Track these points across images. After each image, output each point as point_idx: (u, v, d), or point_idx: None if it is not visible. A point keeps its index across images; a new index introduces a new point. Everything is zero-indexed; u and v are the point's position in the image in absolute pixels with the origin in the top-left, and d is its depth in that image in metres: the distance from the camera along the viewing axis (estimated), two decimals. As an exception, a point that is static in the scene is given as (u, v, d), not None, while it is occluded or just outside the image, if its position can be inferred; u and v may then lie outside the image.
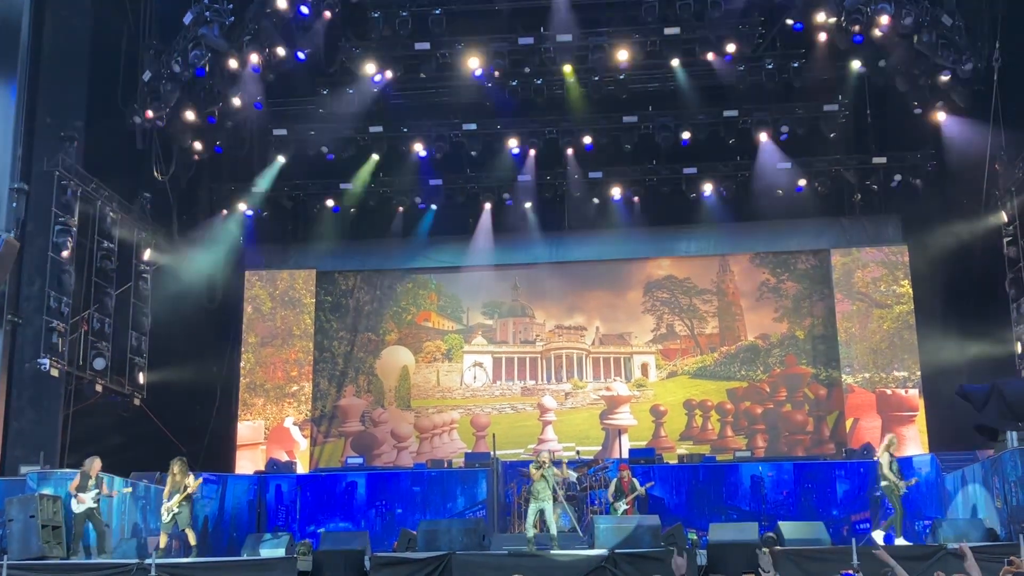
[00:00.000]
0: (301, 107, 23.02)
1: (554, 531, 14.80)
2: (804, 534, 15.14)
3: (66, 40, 19.13)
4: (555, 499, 15.33)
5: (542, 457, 15.31)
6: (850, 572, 11.29)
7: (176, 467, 15.68)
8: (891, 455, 15.36)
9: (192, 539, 15.54)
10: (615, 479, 18.17)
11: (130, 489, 16.41)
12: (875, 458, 17.60)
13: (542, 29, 20.90)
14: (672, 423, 24.03)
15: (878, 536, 15.19)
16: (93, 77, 19.51)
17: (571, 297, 25.10)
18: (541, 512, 14.85)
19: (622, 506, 17.67)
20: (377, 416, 24.73)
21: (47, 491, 15.45)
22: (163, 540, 15.52)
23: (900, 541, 14.71)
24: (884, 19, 18.70)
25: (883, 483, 15.38)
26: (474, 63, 21.15)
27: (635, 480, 18.12)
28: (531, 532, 14.64)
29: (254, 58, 20.03)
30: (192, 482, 15.61)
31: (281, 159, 23.51)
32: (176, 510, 15.47)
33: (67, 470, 16.71)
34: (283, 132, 23.14)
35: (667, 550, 13.52)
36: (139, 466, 18.14)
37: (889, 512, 18.87)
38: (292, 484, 20.41)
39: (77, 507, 15.19)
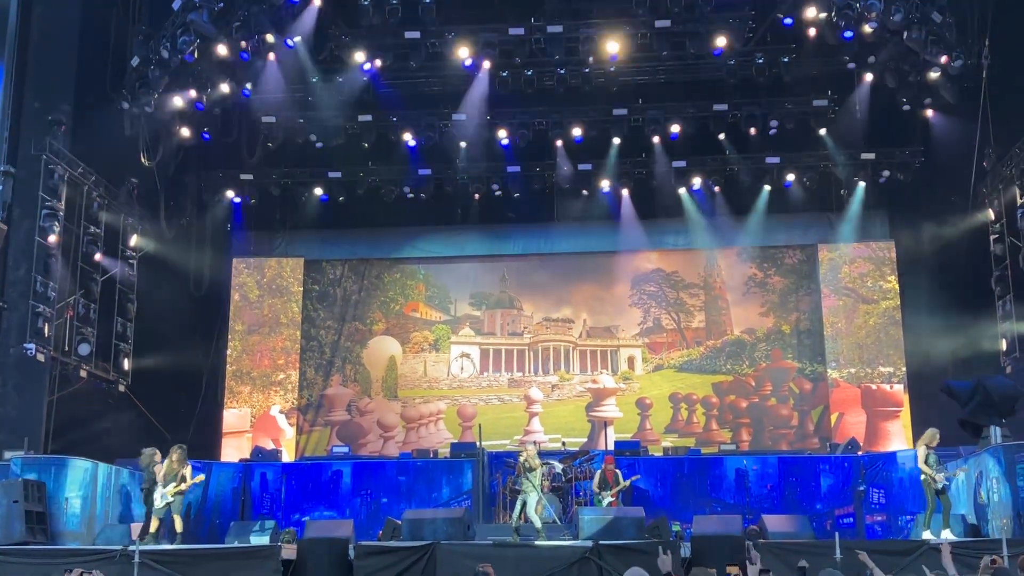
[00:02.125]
0: (290, 94, 22.93)
1: (537, 523, 15.04)
2: (788, 527, 15.19)
3: (54, 24, 19.03)
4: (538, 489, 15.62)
5: (528, 450, 15.69)
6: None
7: (175, 455, 15.57)
8: (928, 448, 15.27)
9: (179, 526, 15.49)
10: (600, 470, 18.21)
11: (202, 477, 16.54)
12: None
13: (532, 19, 20.87)
14: (657, 416, 24.08)
15: (927, 535, 14.99)
16: (81, 62, 19.40)
17: (559, 289, 25.11)
18: (524, 504, 15.15)
19: (607, 497, 17.73)
20: (363, 405, 24.72)
21: (31, 477, 15.41)
22: (155, 524, 15.45)
23: (926, 534, 14.67)
24: (874, 15, 18.73)
25: (921, 476, 15.33)
26: (464, 53, 21.11)
27: (619, 472, 18.16)
28: (515, 523, 14.92)
29: (243, 45, 19.94)
30: (189, 475, 15.54)
31: (269, 146, 23.45)
32: (171, 498, 15.43)
33: (51, 455, 16.69)
34: (272, 119, 23.05)
35: (652, 543, 13.56)
36: (124, 453, 18.10)
37: (874, 507, 18.99)
38: (277, 472, 20.38)
39: (173, 497, 15.62)
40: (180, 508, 15.54)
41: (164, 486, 15.46)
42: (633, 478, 18.55)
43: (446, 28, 20.89)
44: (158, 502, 15.48)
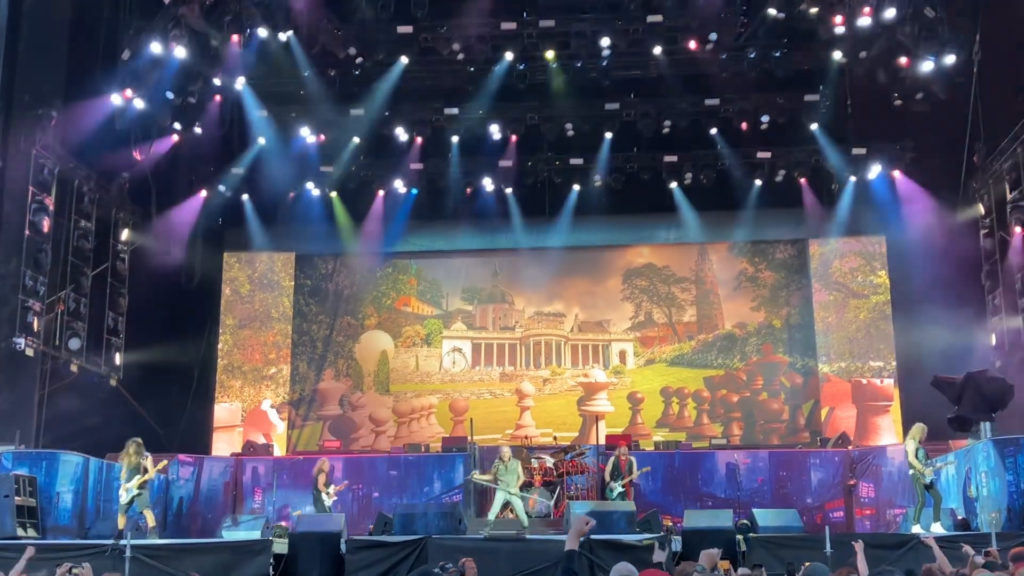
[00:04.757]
0: (282, 89, 22.86)
1: (523, 518, 15.27)
2: (778, 521, 15.25)
3: (45, 17, 18.95)
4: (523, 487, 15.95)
5: (504, 454, 16.06)
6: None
7: (132, 448, 15.49)
8: (916, 443, 15.34)
9: (151, 520, 15.38)
10: (613, 457, 18.16)
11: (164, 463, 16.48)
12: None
13: (525, 14, 20.85)
14: (649, 410, 24.12)
15: (917, 529, 15.03)
16: (72, 55, 19.33)
17: (550, 284, 25.11)
18: (508, 503, 15.49)
19: (618, 487, 17.68)
20: (355, 400, 24.71)
21: (22, 471, 15.39)
22: (122, 521, 15.34)
23: (916, 528, 14.75)
24: (866, 10, 18.75)
25: (910, 471, 15.42)
26: (456, 47, 21.07)
27: (633, 459, 18.08)
28: (492, 517, 15.32)
29: (235, 39, 19.89)
30: (151, 466, 15.47)
31: (261, 141, 23.39)
32: (136, 492, 15.32)
33: (42, 450, 16.67)
34: (263, 114, 23.00)
35: (644, 537, 13.60)
36: (115, 447, 17.98)
37: (864, 501, 19.08)
38: (269, 466, 20.40)
39: (328, 502, 16.99)
40: (147, 503, 15.44)
41: (127, 481, 15.34)
42: (644, 469, 18.45)
43: (438, 23, 20.85)
44: (123, 497, 15.36)
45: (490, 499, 19.12)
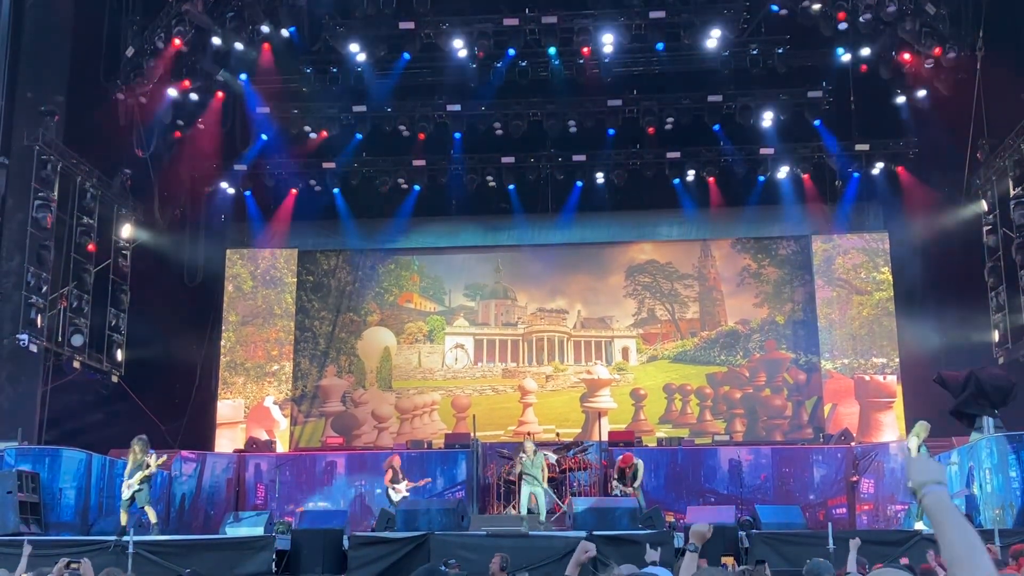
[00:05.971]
0: (284, 85, 22.88)
1: (543, 511, 15.41)
2: (781, 518, 15.24)
3: (48, 14, 18.97)
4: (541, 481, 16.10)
5: (527, 447, 16.28)
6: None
7: (137, 446, 15.46)
8: (919, 440, 15.33)
9: (153, 517, 15.33)
10: (616, 463, 18.03)
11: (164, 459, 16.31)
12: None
13: (527, 10, 20.85)
14: (652, 407, 24.10)
15: (920, 526, 14.99)
16: (75, 52, 19.35)
17: (553, 280, 25.09)
18: (532, 495, 15.64)
19: (617, 492, 17.59)
20: (358, 397, 24.69)
21: (25, 467, 15.41)
22: (124, 518, 15.34)
23: (919, 525, 14.72)
24: (869, 6, 18.73)
25: None
26: (459, 43, 21.09)
27: (638, 464, 17.53)
28: (524, 511, 15.34)
29: (237, 34, 19.90)
30: (152, 461, 15.44)
31: (263, 137, 23.41)
32: (137, 487, 15.29)
33: (44, 446, 16.69)
34: (266, 110, 23.02)
35: (647, 533, 13.60)
36: (118, 443, 18.04)
37: (865, 497, 19.05)
38: (271, 463, 20.40)
39: (396, 496, 17.27)
40: (147, 499, 15.39)
41: (129, 477, 15.32)
42: (637, 483, 18.08)
43: (440, 18, 20.86)
44: (125, 493, 15.33)
45: (492, 496, 19.22)
